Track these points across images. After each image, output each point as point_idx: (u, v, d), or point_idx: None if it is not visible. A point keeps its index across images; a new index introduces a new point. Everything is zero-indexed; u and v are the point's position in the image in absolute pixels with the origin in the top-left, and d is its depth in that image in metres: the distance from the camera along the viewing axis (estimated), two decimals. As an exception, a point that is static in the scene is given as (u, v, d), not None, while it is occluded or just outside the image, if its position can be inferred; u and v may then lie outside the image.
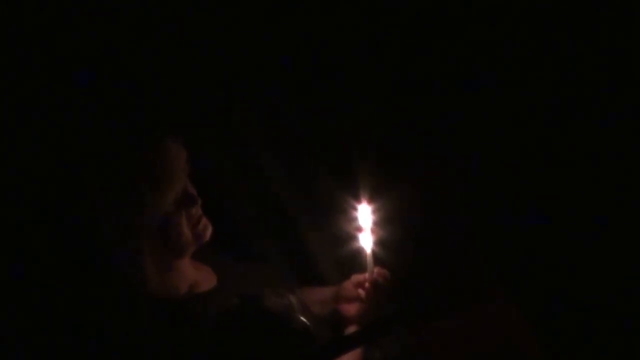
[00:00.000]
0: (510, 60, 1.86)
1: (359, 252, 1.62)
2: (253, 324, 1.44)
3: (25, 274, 1.52)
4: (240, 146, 1.88)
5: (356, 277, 1.63)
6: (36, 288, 1.50)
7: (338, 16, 1.87)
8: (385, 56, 1.90)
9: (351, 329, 1.60)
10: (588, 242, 1.84)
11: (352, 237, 1.63)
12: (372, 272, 1.59)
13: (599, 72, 1.83)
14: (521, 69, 1.86)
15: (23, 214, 1.53)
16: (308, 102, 1.90)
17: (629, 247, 1.80)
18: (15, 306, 1.51)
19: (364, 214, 1.60)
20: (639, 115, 1.81)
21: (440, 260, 1.84)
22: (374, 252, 1.60)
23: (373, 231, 1.60)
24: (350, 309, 1.61)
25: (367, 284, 1.59)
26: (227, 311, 1.44)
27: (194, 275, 1.53)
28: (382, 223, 1.61)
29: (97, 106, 1.62)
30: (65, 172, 1.46)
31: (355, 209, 1.60)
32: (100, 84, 1.69)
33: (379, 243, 1.61)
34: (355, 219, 1.61)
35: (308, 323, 1.49)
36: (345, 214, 1.65)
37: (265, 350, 1.41)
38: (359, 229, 1.61)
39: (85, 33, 1.72)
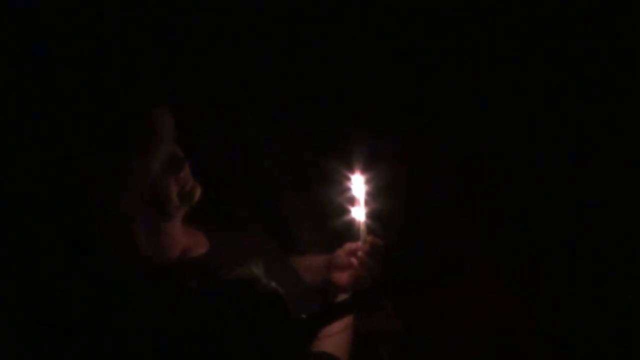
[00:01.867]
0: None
1: (350, 222, 1.62)
2: (216, 298, 1.41)
3: (13, 241, 1.51)
4: (230, 116, 1.88)
5: (349, 246, 1.62)
6: (24, 255, 1.49)
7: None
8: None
9: (342, 297, 1.61)
10: (578, 218, 1.86)
11: (343, 208, 1.63)
12: (365, 241, 1.59)
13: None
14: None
15: (10, 182, 1.52)
16: (301, 72, 1.90)
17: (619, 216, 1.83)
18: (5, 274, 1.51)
19: (357, 185, 1.60)
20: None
21: (432, 231, 1.86)
22: (366, 222, 1.60)
23: (366, 201, 1.60)
24: (343, 277, 1.61)
25: (360, 253, 1.59)
26: (188, 294, 1.43)
27: (186, 241, 1.53)
28: (375, 193, 1.61)
29: (85, 74, 1.61)
30: (51, 139, 1.45)
31: (348, 178, 1.61)
32: (89, 53, 1.68)
33: (372, 213, 1.62)
34: (347, 190, 1.62)
35: (275, 287, 1.48)
36: (337, 184, 1.65)
37: (237, 318, 1.39)
38: (351, 200, 1.61)
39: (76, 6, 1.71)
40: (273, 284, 1.46)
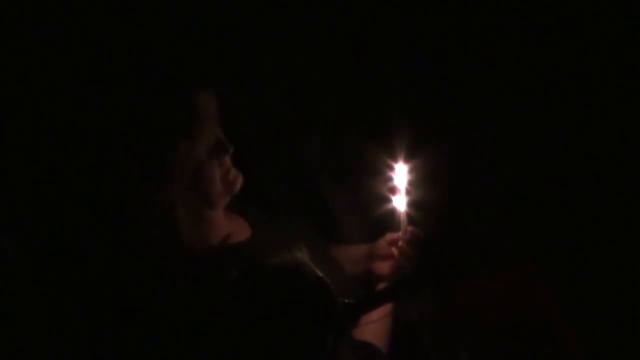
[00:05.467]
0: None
1: (392, 212, 1.62)
2: (261, 285, 1.41)
3: (58, 228, 1.54)
4: (272, 105, 1.89)
5: (390, 236, 1.63)
6: (69, 242, 1.52)
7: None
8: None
9: (382, 287, 1.61)
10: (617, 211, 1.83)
11: (385, 197, 1.64)
12: (405, 231, 1.60)
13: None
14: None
15: (56, 169, 1.55)
16: (344, 61, 1.91)
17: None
18: (48, 263, 1.54)
19: (400, 174, 1.61)
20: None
21: (472, 222, 1.85)
22: (407, 212, 1.61)
23: (407, 191, 1.61)
24: (383, 267, 1.62)
25: (400, 243, 1.60)
26: (250, 269, 1.44)
27: (228, 227, 1.54)
28: (417, 183, 1.62)
29: (129, 58, 1.63)
30: (96, 125, 1.48)
31: (391, 168, 1.62)
32: (131, 36, 1.70)
33: (413, 203, 1.62)
34: (389, 179, 1.63)
35: (320, 274, 1.48)
36: (380, 173, 1.66)
37: (282, 304, 1.39)
38: (393, 189, 1.62)
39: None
40: (318, 272, 1.47)
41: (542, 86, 1.87)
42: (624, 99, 1.83)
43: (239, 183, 1.50)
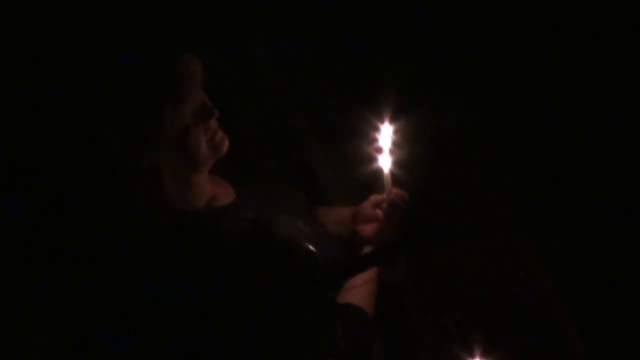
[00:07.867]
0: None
1: (377, 173, 1.61)
2: (259, 248, 1.44)
3: (42, 189, 1.52)
4: (256, 67, 1.87)
5: (374, 198, 1.62)
6: (52, 201, 1.50)
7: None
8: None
9: (368, 249, 1.61)
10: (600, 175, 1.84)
11: (371, 158, 1.62)
12: (390, 193, 1.58)
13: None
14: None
15: (40, 131, 1.53)
16: (328, 20, 1.88)
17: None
18: (31, 223, 1.53)
19: (385, 134, 1.58)
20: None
21: (456, 187, 1.85)
22: (392, 173, 1.59)
23: (392, 152, 1.59)
24: (368, 229, 1.61)
25: (384, 205, 1.59)
26: (236, 232, 1.44)
27: (213, 190, 1.54)
28: (402, 144, 1.60)
29: (114, 23, 1.59)
30: (80, 87, 1.44)
31: (376, 129, 1.59)
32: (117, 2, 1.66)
33: (398, 164, 1.60)
34: (374, 140, 1.60)
35: (315, 250, 1.49)
36: (364, 134, 1.64)
37: (268, 272, 1.42)
38: (378, 150, 1.60)
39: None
40: (310, 247, 1.46)
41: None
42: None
43: (225, 146, 1.49)
